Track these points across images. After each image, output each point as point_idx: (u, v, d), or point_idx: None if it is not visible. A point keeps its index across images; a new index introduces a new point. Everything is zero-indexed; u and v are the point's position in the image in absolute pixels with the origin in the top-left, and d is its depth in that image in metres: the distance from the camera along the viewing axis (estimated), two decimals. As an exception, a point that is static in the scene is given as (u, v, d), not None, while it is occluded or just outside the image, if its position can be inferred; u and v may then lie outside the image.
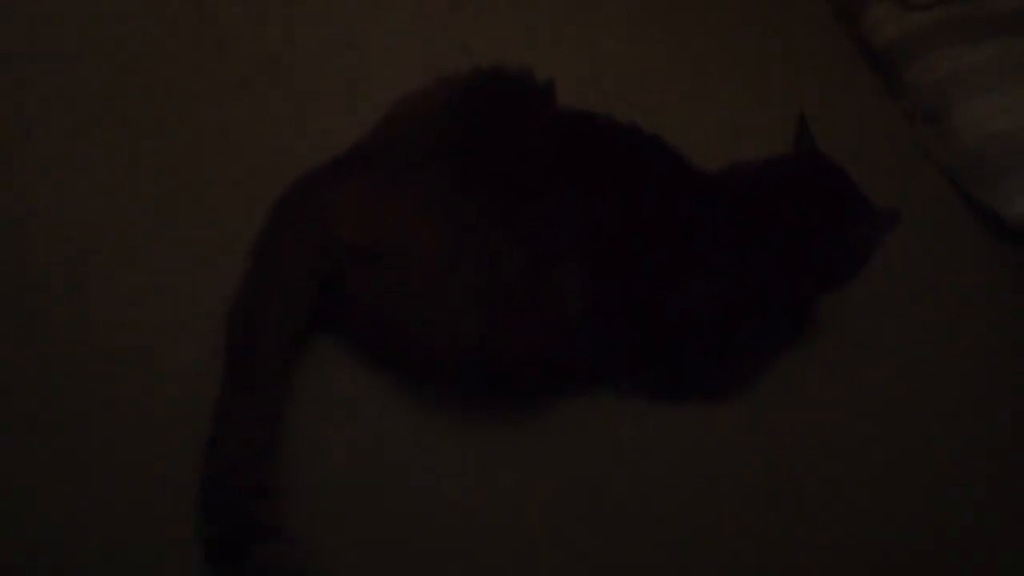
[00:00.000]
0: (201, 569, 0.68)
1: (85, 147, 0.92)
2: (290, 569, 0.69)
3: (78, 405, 0.75)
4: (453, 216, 0.78)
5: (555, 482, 0.81)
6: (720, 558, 0.81)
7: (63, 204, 0.87)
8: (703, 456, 0.87)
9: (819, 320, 1.02)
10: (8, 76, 0.97)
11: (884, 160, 1.26)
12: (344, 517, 0.75)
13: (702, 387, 0.92)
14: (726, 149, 0.97)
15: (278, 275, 0.79)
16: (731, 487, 0.86)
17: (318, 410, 0.80)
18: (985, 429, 0.99)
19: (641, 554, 0.79)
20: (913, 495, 0.91)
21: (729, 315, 0.89)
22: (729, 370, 0.93)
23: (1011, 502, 0.93)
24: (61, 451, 0.73)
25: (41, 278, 0.81)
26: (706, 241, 0.87)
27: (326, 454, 0.78)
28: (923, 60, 1.35)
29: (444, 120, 0.85)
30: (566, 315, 0.79)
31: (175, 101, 1.00)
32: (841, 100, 1.35)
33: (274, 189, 0.84)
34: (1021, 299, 1.14)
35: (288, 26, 1.14)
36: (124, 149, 0.93)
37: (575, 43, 1.27)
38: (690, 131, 0.93)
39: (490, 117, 0.86)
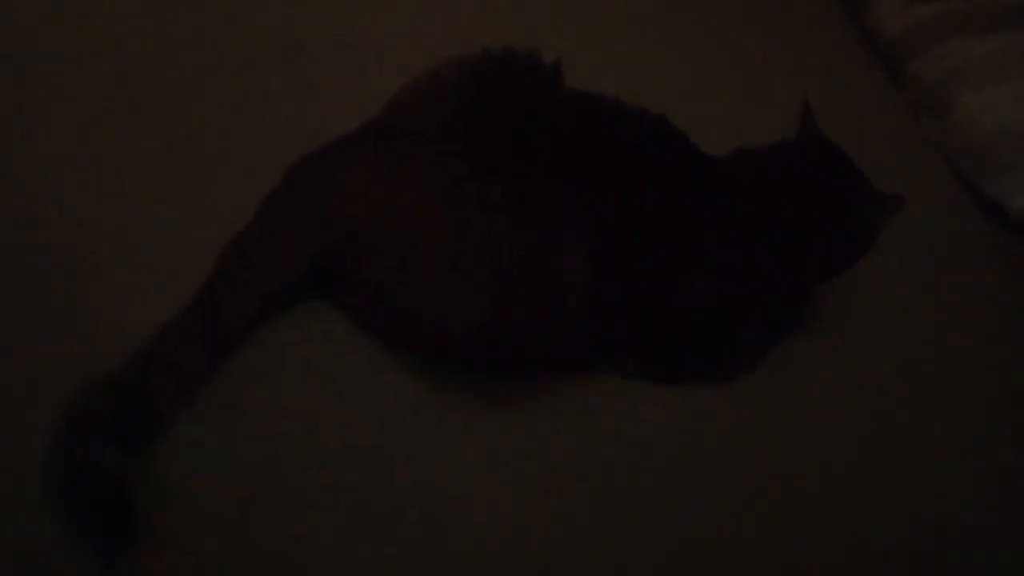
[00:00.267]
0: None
1: (85, 147, 0.93)
2: (115, 472, 0.67)
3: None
4: (460, 196, 0.79)
5: (554, 476, 0.81)
6: (719, 553, 0.81)
7: (63, 204, 0.87)
8: (703, 452, 0.87)
9: (820, 315, 1.01)
10: (8, 76, 0.97)
11: (889, 153, 1.27)
12: (337, 509, 0.74)
13: (704, 368, 0.92)
14: (729, 148, 0.97)
15: (278, 233, 0.82)
16: (731, 484, 0.86)
17: (317, 386, 0.81)
18: (986, 427, 0.99)
19: (640, 549, 0.79)
20: (913, 493, 0.91)
21: (734, 297, 0.89)
22: (732, 351, 0.93)
23: (1011, 501, 0.93)
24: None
25: (41, 278, 0.81)
26: (711, 224, 0.87)
27: (321, 434, 0.78)
28: (928, 53, 1.35)
29: (453, 100, 0.86)
30: (572, 295, 0.79)
31: (175, 102, 1.00)
32: (846, 94, 1.35)
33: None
34: (1025, 292, 1.14)
35: (288, 27, 1.14)
36: (124, 149, 0.94)
37: (575, 43, 1.27)
38: (691, 131, 0.94)
39: (499, 98, 0.86)
